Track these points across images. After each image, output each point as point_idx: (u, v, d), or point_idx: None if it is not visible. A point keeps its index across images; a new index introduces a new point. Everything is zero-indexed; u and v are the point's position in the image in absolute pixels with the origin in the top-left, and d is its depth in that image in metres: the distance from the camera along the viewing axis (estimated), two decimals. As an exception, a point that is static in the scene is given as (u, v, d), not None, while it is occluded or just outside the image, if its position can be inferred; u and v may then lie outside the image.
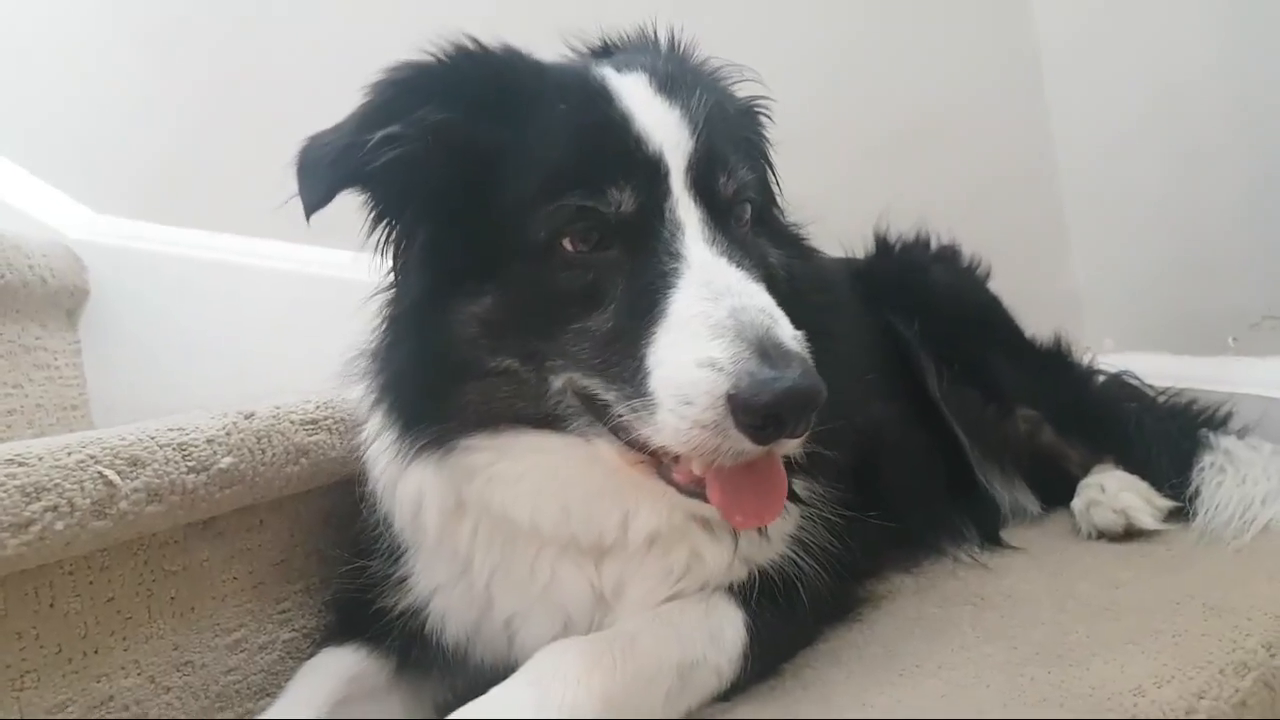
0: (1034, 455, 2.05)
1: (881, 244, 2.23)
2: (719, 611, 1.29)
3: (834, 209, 2.37)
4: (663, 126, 1.19)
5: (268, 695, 1.33)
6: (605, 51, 1.47)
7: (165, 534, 1.28)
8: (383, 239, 1.25)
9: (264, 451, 1.36)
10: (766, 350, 1.02)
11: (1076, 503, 1.88)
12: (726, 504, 1.12)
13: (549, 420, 1.20)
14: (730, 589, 1.32)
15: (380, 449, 1.30)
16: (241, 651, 1.37)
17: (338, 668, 1.31)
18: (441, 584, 1.33)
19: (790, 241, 1.46)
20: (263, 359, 2.62)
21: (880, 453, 1.69)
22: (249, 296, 2.70)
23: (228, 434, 1.32)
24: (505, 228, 1.16)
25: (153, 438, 1.23)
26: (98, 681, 1.18)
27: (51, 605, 1.15)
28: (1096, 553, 1.74)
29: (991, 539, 1.86)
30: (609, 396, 1.12)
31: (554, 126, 1.18)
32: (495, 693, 1.08)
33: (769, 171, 1.46)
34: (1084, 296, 2.69)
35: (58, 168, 2.80)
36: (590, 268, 1.15)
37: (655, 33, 1.45)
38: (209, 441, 1.29)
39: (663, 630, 1.22)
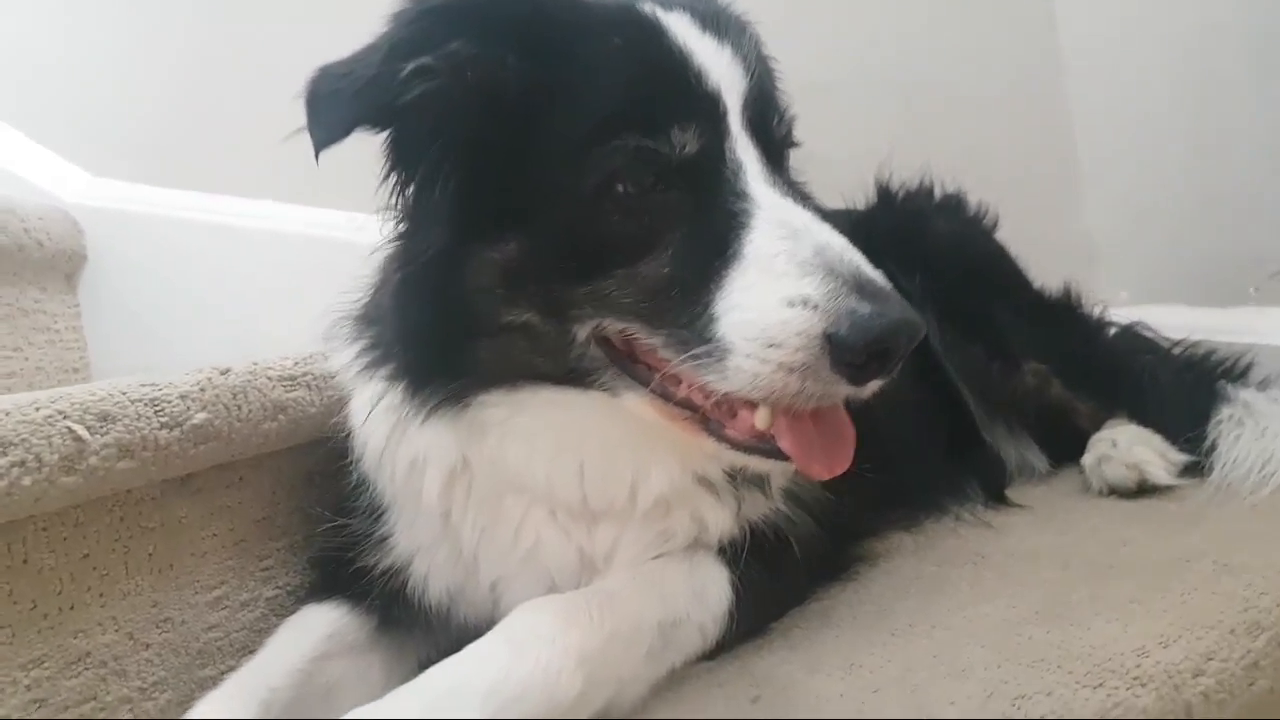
0: (1042, 411, 1.99)
1: (883, 193, 2.17)
2: (703, 569, 1.26)
3: (836, 157, 2.32)
4: (718, 63, 1.14)
5: (250, 652, 1.30)
6: None
7: (141, 490, 1.26)
8: (398, 186, 1.17)
9: (240, 408, 1.33)
10: (861, 286, 0.99)
11: (1087, 458, 1.82)
12: (802, 454, 1.08)
13: (572, 376, 1.15)
14: (718, 546, 1.29)
15: (374, 414, 1.25)
16: (223, 609, 1.35)
17: (317, 624, 1.29)
18: (423, 544, 1.30)
19: (804, 196, 1.41)
20: (262, 320, 2.60)
21: (879, 408, 1.65)
22: (247, 258, 2.68)
23: (202, 390, 1.29)
24: (545, 172, 1.10)
25: (124, 393, 1.20)
26: (74, 638, 1.16)
27: (25, 561, 1.13)
28: (1106, 510, 1.68)
29: (996, 497, 1.82)
30: (653, 341, 1.08)
31: (605, 63, 1.11)
32: (469, 651, 1.05)
33: None
34: (1097, 246, 2.62)
35: (53, 131, 2.77)
36: (645, 211, 1.08)
37: None
38: (182, 397, 1.26)
39: (644, 588, 1.19)
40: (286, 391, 1.41)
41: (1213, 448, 1.76)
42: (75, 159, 2.77)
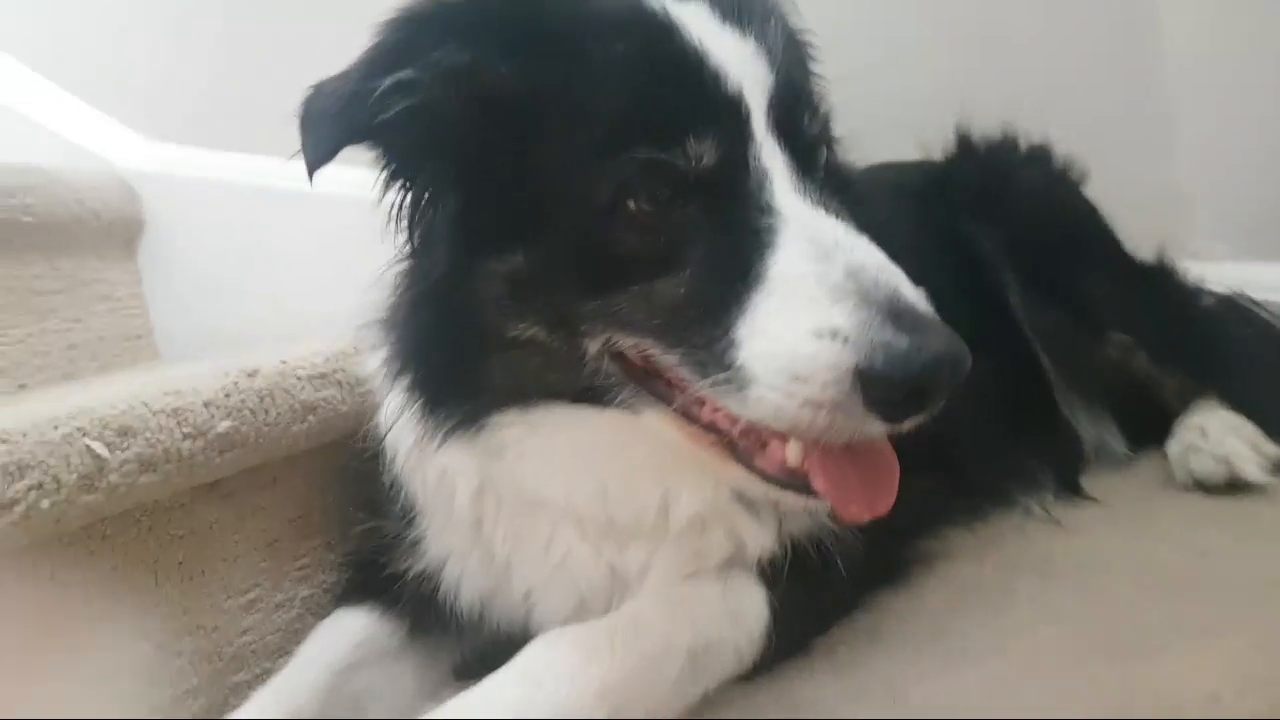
0: (1125, 387, 1.85)
1: (964, 144, 2.03)
2: (740, 589, 1.19)
3: (915, 99, 2.16)
4: (739, 60, 1.03)
5: (286, 654, 1.29)
6: None
7: (169, 499, 1.24)
8: (399, 203, 1.10)
9: (267, 411, 1.30)
10: (899, 314, 0.89)
11: (1172, 446, 1.69)
12: (838, 495, 1.00)
13: (588, 393, 1.09)
14: (758, 564, 1.22)
15: (400, 423, 1.20)
16: (257, 611, 1.34)
17: (347, 632, 1.27)
18: (456, 550, 1.27)
19: (845, 184, 1.30)
20: (320, 283, 2.58)
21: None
22: (304, 221, 2.64)
23: (227, 395, 1.26)
24: (551, 185, 1.02)
25: (146, 404, 1.17)
26: (104, 651, 1.16)
27: (51, 577, 1.13)
28: (1187, 508, 1.55)
29: (1070, 486, 1.70)
30: (669, 360, 1.00)
31: (610, 68, 1.02)
32: (483, 686, 1.01)
33: None
34: (1192, 195, 2.42)
35: (109, 95, 2.75)
36: (661, 229, 1.00)
37: None
38: (206, 405, 1.23)
39: (673, 612, 1.13)
40: (316, 391, 1.38)
41: (1316, 440, 1.61)
42: (130, 123, 2.74)
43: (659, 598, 1.16)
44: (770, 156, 1.02)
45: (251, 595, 1.34)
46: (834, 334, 0.89)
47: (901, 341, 0.87)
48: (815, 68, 1.27)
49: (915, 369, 0.87)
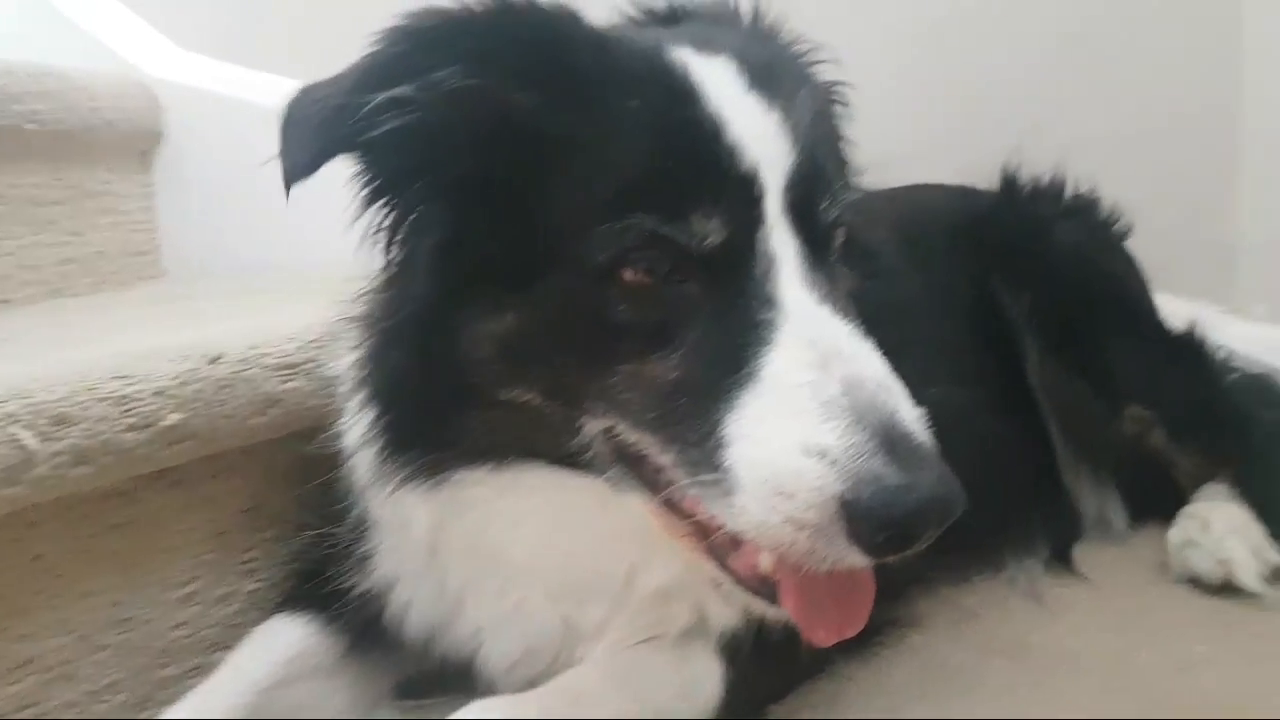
0: (1137, 462, 1.77)
1: (1008, 184, 1.95)
2: (696, 663, 1.14)
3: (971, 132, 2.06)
4: (760, 135, 0.95)
5: (225, 648, 1.25)
6: (673, 18, 1.20)
7: (109, 486, 1.19)
8: (380, 224, 1.02)
9: (223, 403, 1.22)
10: (893, 443, 0.82)
11: (1173, 535, 1.60)
12: (806, 617, 0.95)
13: (569, 460, 1.02)
14: (718, 636, 1.16)
15: (361, 443, 1.13)
16: (195, 605, 1.29)
17: (281, 645, 1.22)
18: (406, 574, 1.21)
19: (864, 257, 1.20)
20: (335, 218, 2.50)
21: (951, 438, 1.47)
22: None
23: (181, 384, 1.18)
24: (549, 238, 0.95)
25: (90, 390, 1.10)
26: (18, 643, 1.11)
27: (-34, 566, 1.08)
28: (1178, 604, 1.49)
29: (1062, 558, 1.64)
30: (664, 460, 0.94)
31: (621, 125, 0.94)
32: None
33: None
34: (1242, 251, 2.34)
35: (145, -2, 2.64)
36: (656, 304, 0.93)
37: None
38: (157, 394, 1.15)
39: (619, 685, 1.08)
40: (282, 382, 1.30)
41: (1324, 550, 1.53)
42: (162, 28, 2.62)
43: (606, 668, 1.11)
44: (780, 242, 0.94)
45: (191, 588, 1.28)
46: (822, 454, 0.82)
47: (891, 477, 0.80)
48: (843, 133, 1.18)
49: (900, 511, 0.80)
